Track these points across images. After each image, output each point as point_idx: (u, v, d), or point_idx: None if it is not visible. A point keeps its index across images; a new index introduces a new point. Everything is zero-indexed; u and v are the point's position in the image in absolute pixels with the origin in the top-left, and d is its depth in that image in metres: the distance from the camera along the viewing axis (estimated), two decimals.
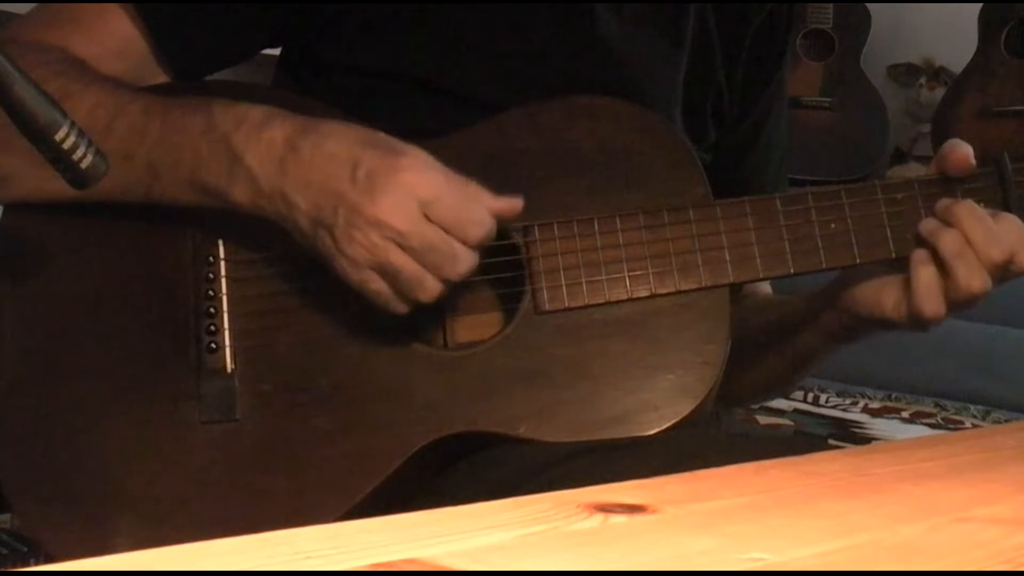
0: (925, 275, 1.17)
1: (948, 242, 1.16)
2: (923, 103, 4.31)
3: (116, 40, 1.25)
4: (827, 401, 3.64)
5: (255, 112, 1.15)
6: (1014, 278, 1.18)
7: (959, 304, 1.17)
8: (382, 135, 1.14)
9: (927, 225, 1.18)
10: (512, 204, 1.15)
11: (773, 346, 1.36)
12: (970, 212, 1.16)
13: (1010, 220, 1.17)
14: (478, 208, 1.13)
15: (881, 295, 1.21)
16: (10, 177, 1.20)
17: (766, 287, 1.47)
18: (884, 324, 1.22)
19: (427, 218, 1.11)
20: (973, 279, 1.16)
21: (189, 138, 1.16)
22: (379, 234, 1.11)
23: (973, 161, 1.19)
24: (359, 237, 1.11)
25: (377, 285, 1.13)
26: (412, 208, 1.11)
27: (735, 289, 1.23)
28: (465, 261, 1.12)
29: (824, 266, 1.20)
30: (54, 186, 1.16)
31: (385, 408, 1.17)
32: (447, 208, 1.11)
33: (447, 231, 1.11)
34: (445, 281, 1.13)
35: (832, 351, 1.32)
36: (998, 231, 1.16)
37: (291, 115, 1.15)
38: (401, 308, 1.14)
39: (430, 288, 1.12)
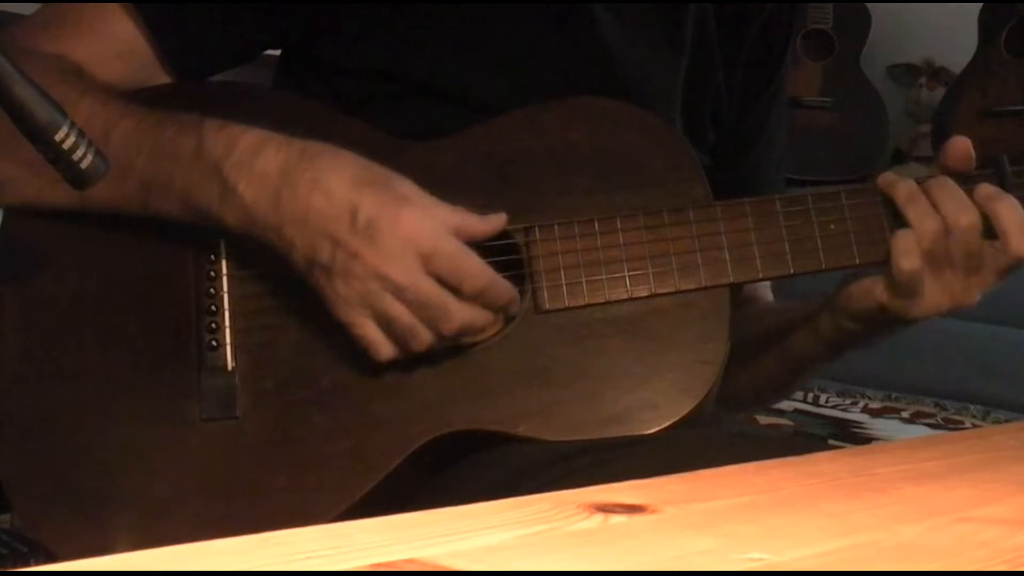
0: (899, 233, 1.18)
1: (900, 188, 1.18)
2: (923, 103, 4.31)
3: (118, 42, 1.25)
4: (827, 401, 3.64)
5: (246, 138, 1.14)
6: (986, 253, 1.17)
7: (932, 255, 1.16)
8: (378, 169, 1.14)
9: (884, 178, 1.20)
10: (498, 220, 1.15)
11: (773, 351, 1.35)
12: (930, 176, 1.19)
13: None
14: (476, 260, 1.13)
15: (874, 285, 1.21)
16: (8, 184, 1.20)
17: (767, 293, 1.47)
18: (877, 314, 1.22)
19: (426, 271, 1.11)
20: (925, 221, 1.16)
21: (180, 160, 1.15)
22: (378, 284, 1.11)
23: (972, 154, 1.20)
24: (355, 284, 1.11)
25: (367, 330, 1.13)
26: (411, 261, 1.11)
27: (736, 293, 1.23)
28: (459, 318, 1.13)
29: (824, 267, 1.20)
30: (52, 195, 1.17)
31: (385, 406, 1.17)
32: (446, 260, 1.12)
33: (446, 282, 1.12)
34: (438, 334, 1.13)
35: (831, 358, 1.32)
36: (951, 185, 1.17)
37: (284, 142, 1.14)
38: (388, 354, 1.14)
39: (422, 340, 1.13)
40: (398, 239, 1.10)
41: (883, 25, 4.33)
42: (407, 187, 1.13)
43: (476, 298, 1.13)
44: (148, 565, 0.58)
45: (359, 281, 1.11)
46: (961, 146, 1.20)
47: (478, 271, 1.13)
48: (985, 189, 1.17)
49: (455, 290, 1.13)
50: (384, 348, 1.14)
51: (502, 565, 0.60)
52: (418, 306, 1.12)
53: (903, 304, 1.19)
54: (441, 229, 1.12)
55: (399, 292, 1.11)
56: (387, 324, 1.12)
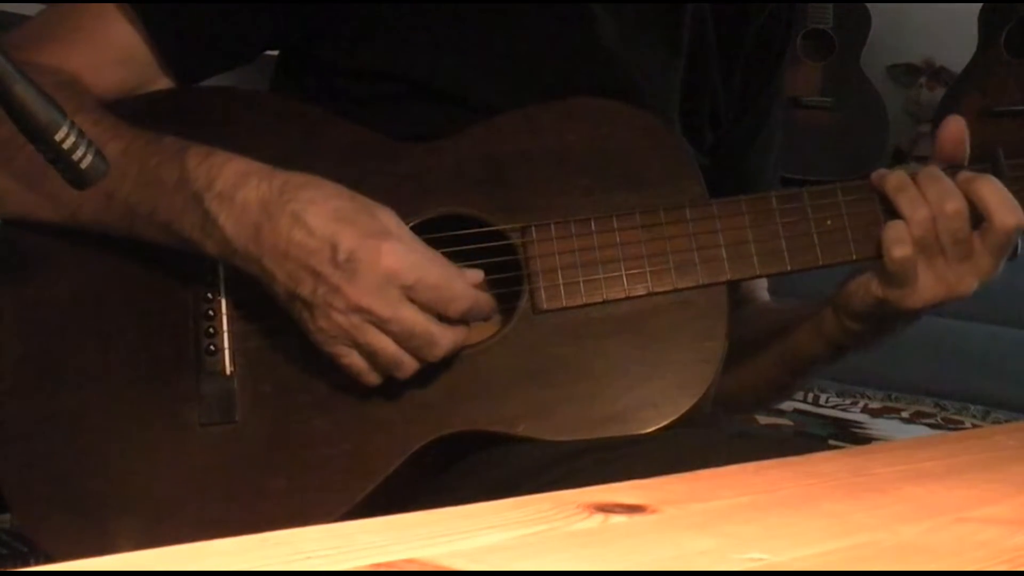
0: (890, 223, 1.18)
1: (890, 179, 1.19)
2: (923, 103, 4.32)
3: (118, 47, 1.25)
4: (827, 401, 3.64)
5: (228, 169, 1.14)
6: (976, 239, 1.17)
7: (923, 243, 1.17)
8: (360, 200, 1.13)
9: (877, 173, 1.21)
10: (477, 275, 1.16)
11: (773, 352, 1.35)
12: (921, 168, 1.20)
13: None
14: (459, 283, 1.14)
15: (870, 279, 1.21)
16: (0, 196, 1.20)
17: (764, 294, 1.47)
18: (877, 310, 1.22)
19: (409, 302, 1.12)
20: (915, 210, 1.16)
21: (164, 189, 1.15)
22: (359, 318, 1.11)
23: (965, 134, 1.21)
24: (338, 318, 1.11)
25: (351, 360, 1.13)
26: (394, 294, 1.11)
27: (733, 293, 1.23)
28: (443, 344, 1.13)
29: (821, 262, 1.20)
30: (43, 210, 1.17)
31: (384, 409, 1.17)
32: (428, 289, 1.12)
33: (430, 310, 1.12)
34: (424, 361, 1.14)
35: (831, 360, 1.32)
36: (938, 173, 1.18)
37: (267, 174, 1.13)
38: (375, 381, 1.15)
39: (407, 368, 1.14)
40: (379, 272, 1.10)
41: (883, 25, 4.33)
42: (388, 218, 1.13)
43: (461, 320, 1.14)
44: (148, 565, 0.58)
45: (341, 315, 1.11)
46: (955, 127, 1.21)
47: (461, 295, 1.14)
48: (964, 174, 1.18)
49: (442, 317, 1.13)
50: (370, 377, 1.14)
51: (502, 565, 0.60)
52: (403, 337, 1.12)
53: (898, 295, 1.19)
54: (423, 259, 1.12)
55: (383, 324, 1.11)
56: (371, 355, 1.13)
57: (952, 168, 1.20)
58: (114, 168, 1.15)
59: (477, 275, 1.16)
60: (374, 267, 1.10)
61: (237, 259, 1.14)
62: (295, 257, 1.11)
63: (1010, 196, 1.17)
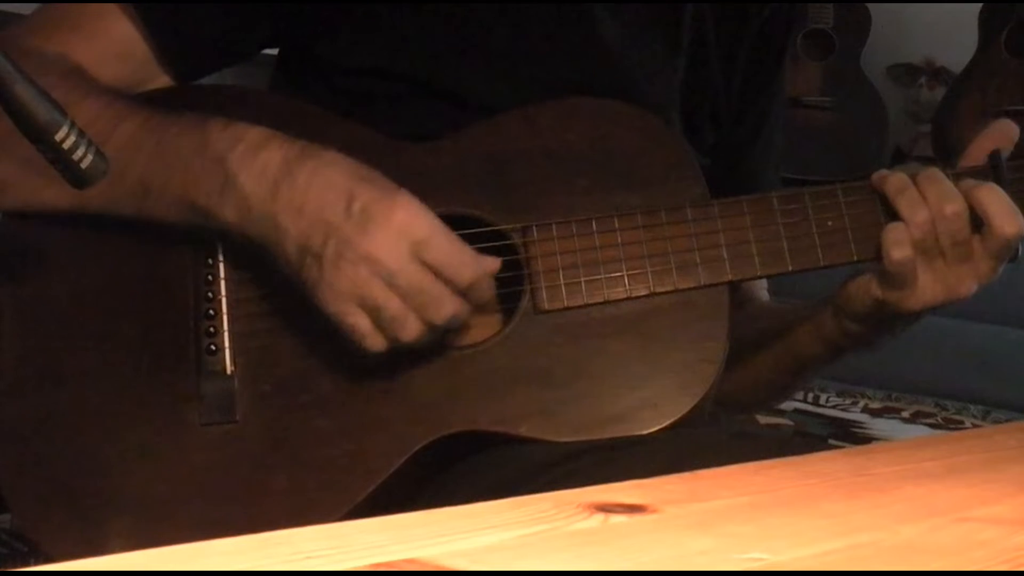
0: (890, 224, 1.18)
1: (891, 181, 1.19)
2: (923, 103, 4.32)
3: (117, 43, 1.25)
4: (827, 401, 3.64)
5: (253, 133, 1.15)
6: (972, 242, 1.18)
7: (922, 245, 1.17)
8: (378, 173, 1.14)
9: (878, 174, 1.21)
10: (494, 263, 1.15)
11: (773, 352, 1.36)
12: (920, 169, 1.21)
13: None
14: (469, 253, 1.14)
15: (869, 281, 1.21)
16: (5, 185, 1.20)
17: (763, 294, 1.47)
18: (876, 311, 1.22)
19: (418, 258, 1.11)
20: (915, 212, 1.17)
21: (182, 156, 1.15)
22: (368, 270, 1.11)
23: (1016, 137, 1.22)
24: (347, 269, 1.11)
25: (356, 319, 1.12)
26: (404, 248, 1.11)
27: (733, 293, 1.23)
28: (450, 306, 1.13)
29: (822, 263, 1.20)
30: (49, 196, 1.17)
31: (385, 408, 1.17)
32: (438, 249, 1.12)
33: (438, 273, 1.12)
34: (428, 324, 1.13)
35: (832, 360, 1.32)
36: (939, 175, 1.18)
37: (288, 139, 1.15)
38: (378, 345, 1.13)
39: (411, 329, 1.12)
40: (392, 226, 1.11)
41: (883, 25, 4.33)
42: (406, 191, 1.14)
43: (468, 290, 1.13)
44: (148, 565, 0.58)
45: (350, 266, 1.11)
46: (1008, 128, 1.21)
47: (470, 262, 1.13)
48: (966, 181, 1.19)
49: (447, 281, 1.13)
50: (373, 338, 1.13)
51: (502, 565, 0.60)
52: (408, 293, 1.11)
53: (898, 296, 1.19)
54: (435, 220, 1.12)
55: (390, 278, 1.11)
56: (376, 313, 1.12)
57: (953, 170, 1.20)
58: (129, 143, 1.16)
59: (495, 262, 1.16)
60: (387, 220, 1.11)
61: (252, 221, 1.14)
62: (310, 212, 1.12)
63: (1010, 203, 1.17)
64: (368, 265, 1.11)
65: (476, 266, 1.14)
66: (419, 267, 1.11)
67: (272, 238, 1.14)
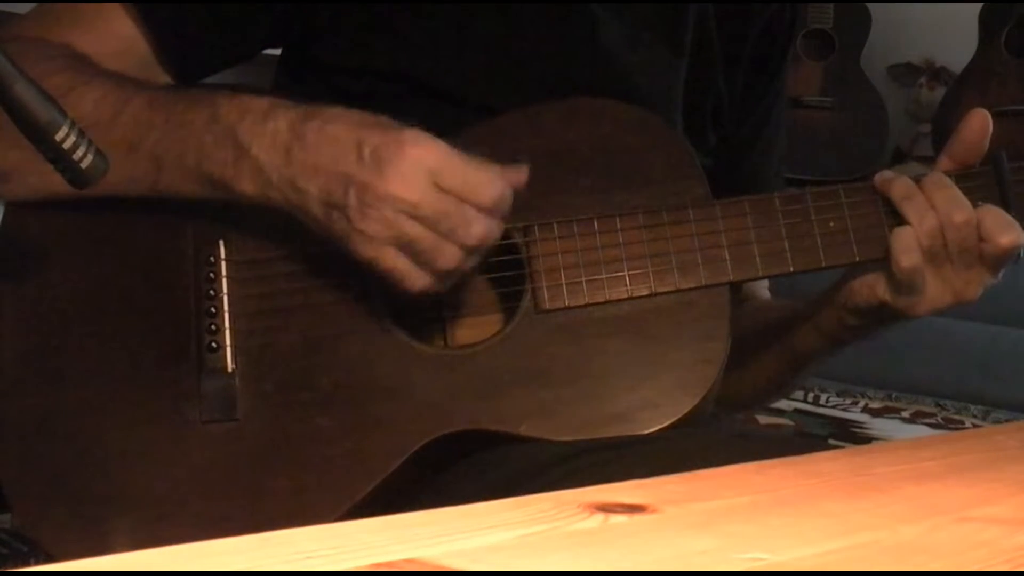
0: (897, 230, 1.19)
1: (897, 186, 1.19)
2: (923, 103, 4.32)
3: (117, 41, 1.25)
4: (827, 401, 3.64)
5: (258, 103, 1.16)
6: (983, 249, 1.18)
7: (931, 252, 1.17)
8: (383, 117, 1.14)
9: (881, 176, 1.21)
10: (519, 173, 1.15)
11: (772, 348, 1.36)
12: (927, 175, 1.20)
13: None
14: (486, 171, 1.13)
15: (876, 282, 1.21)
16: (13, 172, 1.20)
17: (764, 291, 1.47)
18: (878, 310, 1.22)
19: (437, 186, 1.11)
20: (924, 219, 1.17)
21: (194, 130, 1.16)
22: (392, 208, 1.11)
23: (990, 125, 1.22)
24: (373, 213, 1.11)
25: (394, 261, 1.12)
26: (421, 178, 1.11)
27: (734, 292, 1.23)
28: (479, 226, 1.12)
29: (824, 264, 1.20)
30: (58, 181, 1.17)
31: (386, 407, 1.17)
32: (455, 174, 1.11)
33: (460, 196, 1.12)
34: (463, 247, 1.12)
35: (830, 354, 1.32)
36: (946, 181, 1.18)
37: (293, 104, 1.16)
38: (421, 281, 1.13)
39: (449, 256, 1.12)
40: (405, 162, 1.11)
41: (883, 25, 4.33)
42: (412, 127, 1.14)
43: (493, 207, 1.13)
44: (148, 565, 0.58)
45: (374, 209, 1.11)
46: (980, 119, 1.22)
47: (490, 180, 1.13)
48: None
49: (471, 202, 1.12)
50: (414, 276, 1.13)
51: (502, 565, 0.60)
52: (436, 220, 1.11)
53: (906, 301, 1.19)
54: (448, 149, 1.12)
55: (415, 210, 1.10)
56: (411, 248, 1.11)
57: (961, 175, 1.20)
58: (139, 121, 1.17)
59: (517, 174, 1.15)
60: (399, 157, 1.11)
61: (272, 190, 1.14)
62: (325, 167, 1.12)
63: (1005, 216, 1.17)
64: (391, 204, 1.11)
65: (497, 182, 1.13)
66: (440, 194, 1.11)
67: (295, 201, 1.14)
